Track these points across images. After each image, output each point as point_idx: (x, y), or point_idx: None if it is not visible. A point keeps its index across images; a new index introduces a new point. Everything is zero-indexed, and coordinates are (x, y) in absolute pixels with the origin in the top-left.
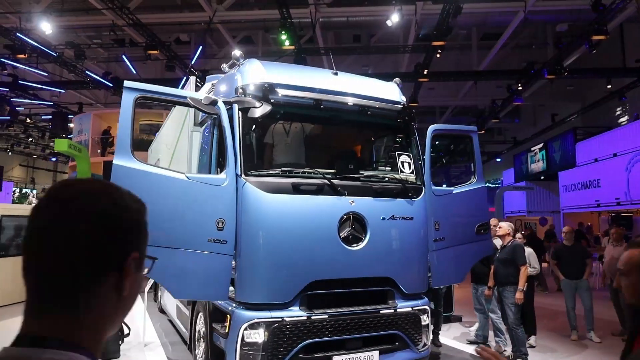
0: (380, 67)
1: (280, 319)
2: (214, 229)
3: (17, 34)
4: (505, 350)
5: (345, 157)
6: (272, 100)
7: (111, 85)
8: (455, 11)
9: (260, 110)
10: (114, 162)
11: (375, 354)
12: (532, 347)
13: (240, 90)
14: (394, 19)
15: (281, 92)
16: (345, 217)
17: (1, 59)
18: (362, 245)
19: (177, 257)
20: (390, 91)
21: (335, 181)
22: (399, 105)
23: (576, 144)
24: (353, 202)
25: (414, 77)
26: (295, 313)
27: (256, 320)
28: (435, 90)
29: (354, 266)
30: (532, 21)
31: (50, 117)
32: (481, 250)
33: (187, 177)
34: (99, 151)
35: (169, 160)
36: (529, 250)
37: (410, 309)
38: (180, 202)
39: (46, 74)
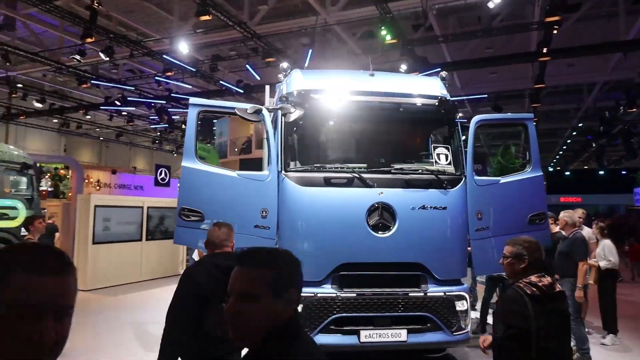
0: (505, 49)
1: (314, 294)
2: (259, 217)
3: (164, 55)
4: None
5: (377, 151)
6: (306, 105)
7: (242, 91)
8: None
9: (294, 114)
10: (182, 164)
11: (404, 332)
12: (604, 345)
13: (283, 98)
14: None
15: (316, 97)
16: (373, 206)
17: (157, 77)
18: (390, 232)
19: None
20: (428, 86)
21: (365, 174)
22: (435, 100)
23: None
24: (382, 193)
25: (538, 57)
26: (327, 290)
27: None
28: (575, 66)
29: (382, 251)
30: None
31: (200, 122)
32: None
33: (237, 175)
34: (235, 150)
35: None
36: (606, 242)
37: (442, 293)
38: (232, 195)
39: (190, 87)
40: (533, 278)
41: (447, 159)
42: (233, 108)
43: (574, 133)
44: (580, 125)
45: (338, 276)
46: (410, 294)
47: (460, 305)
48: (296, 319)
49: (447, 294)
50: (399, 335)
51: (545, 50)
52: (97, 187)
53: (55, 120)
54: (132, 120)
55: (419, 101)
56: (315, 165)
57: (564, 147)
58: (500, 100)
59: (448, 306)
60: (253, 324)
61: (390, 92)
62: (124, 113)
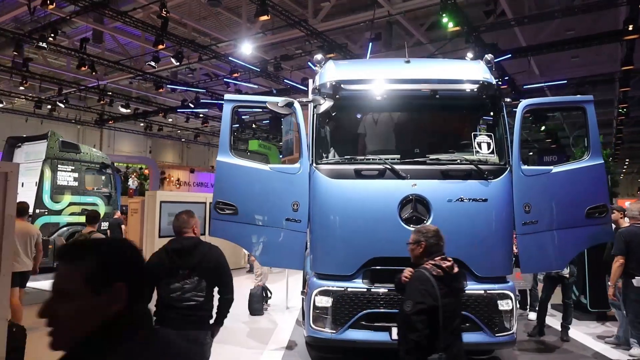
0: (589, 30)
1: (344, 289)
2: (290, 210)
3: (229, 57)
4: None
5: (412, 142)
6: (337, 96)
7: (305, 89)
8: None
9: (324, 105)
10: (217, 159)
11: None
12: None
13: (316, 90)
14: None
15: (349, 87)
16: (406, 199)
17: (225, 79)
18: None
19: (262, 232)
20: (468, 71)
21: (397, 166)
22: (475, 84)
23: None
24: (415, 184)
25: (624, 35)
26: (358, 285)
27: (324, 288)
28: None
29: None
30: None
31: (269, 121)
32: (594, 236)
33: (270, 168)
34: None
35: None
36: None
37: (482, 292)
38: (264, 188)
39: (257, 87)
40: (438, 260)
41: (489, 148)
42: (264, 102)
43: None
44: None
45: (369, 271)
46: None
47: (504, 305)
48: (133, 316)
49: (487, 292)
50: None
51: (631, 27)
52: (178, 185)
53: (142, 124)
54: (206, 121)
55: (457, 87)
56: (346, 157)
57: None
58: (585, 87)
59: (489, 305)
60: (70, 326)
61: (426, 79)
62: (200, 115)
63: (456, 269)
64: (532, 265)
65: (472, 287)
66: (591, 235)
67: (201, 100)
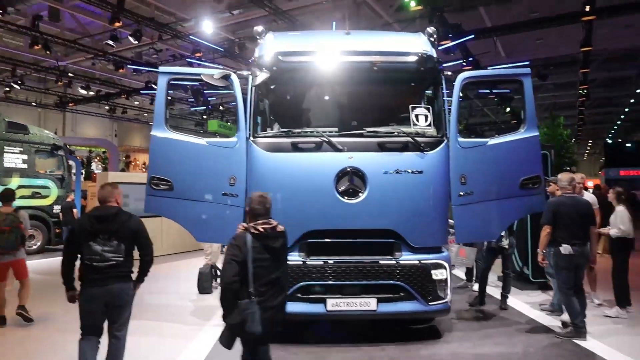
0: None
1: None
2: (227, 184)
3: (191, 36)
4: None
5: (351, 114)
6: (275, 68)
7: None
8: None
9: (260, 77)
10: (152, 133)
11: (373, 300)
12: (608, 317)
13: (254, 62)
14: None
15: (287, 59)
16: (343, 172)
17: (188, 59)
18: (360, 198)
19: (198, 208)
20: (408, 43)
21: (334, 138)
22: (414, 57)
23: None
24: (352, 157)
25: (581, 16)
26: (294, 258)
27: None
28: (634, 27)
29: (351, 218)
30: None
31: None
32: (527, 206)
33: (206, 142)
34: None
35: None
36: (618, 209)
37: (417, 262)
38: (200, 162)
39: (221, 67)
40: (260, 223)
41: (426, 120)
42: (199, 74)
43: (632, 101)
44: (638, 92)
45: (306, 244)
46: (380, 262)
47: (438, 274)
48: None
49: (422, 262)
50: (368, 304)
51: (588, 8)
52: (144, 169)
53: (106, 107)
54: (172, 103)
55: (396, 59)
56: (283, 130)
57: (622, 117)
58: (549, 68)
59: (423, 275)
60: None
61: (365, 51)
62: (168, 97)
63: (279, 229)
64: (467, 236)
65: (407, 258)
66: (525, 206)
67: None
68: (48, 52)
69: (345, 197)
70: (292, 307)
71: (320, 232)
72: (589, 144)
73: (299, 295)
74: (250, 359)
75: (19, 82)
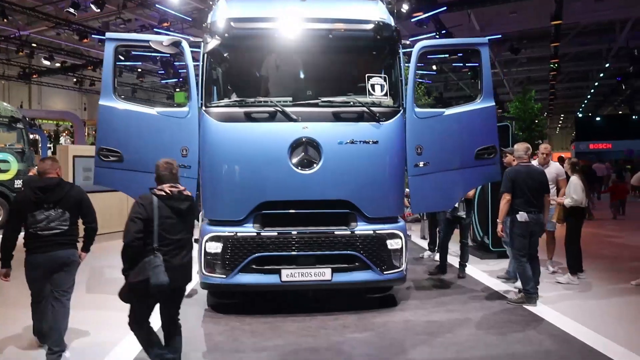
0: None
1: (234, 234)
2: (179, 155)
3: (157, 4)
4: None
5: (306, 83)
6: (226, 35)
7: None
8: None
9: (211, 44)
10: (99, 103)
11: (328, 270)
12: (559, 283)
13: (206, 29)
14: None
15: (239, 25)
16: (297, 142)
17: (155, 29)
18: (315, 169)
19: (149, 179)
20: (365, 10)
21: (289, 108)
22: (370, 24)
23: None
24: (306, 127)
25: None
26: (248, 229)
27: (214, 234)
28: (604, 1)
29: (305, 189)
30: None
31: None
32: (483, 176)
33: (157, 112)
34: None
35: None
36: (572, 179)
37: (371, 231)
38: (151, 133)
39: (190, 38)
40: (166, 187)
41: (382, 90)
42: (147, 41)
43: (602, 75)
44: (607, 65)
45: (260, 215)
46: (335, 233)
47: (393, 244)
48: None
49: (377, 232)
50: (323, 274)
51: None
52: None
53: (74, 80)
54: (142, 76)
55: (352, 27)
56: (236, 99)
57: (592, 91)
58: (523, 42)
59: (378, 245)
60: None
61: (321, 18)
62: (138, 69)
63: (186, 193)
64: (423, 206)
65: (362, 228)
66: (480, 175)
67: (133, 53)
68: (6, 20)
69: (300, 168)
70: (247, 278)
71: (275, 203)
72: (561, 118)
73: (254, 266)
74: (144, 315)
75: None
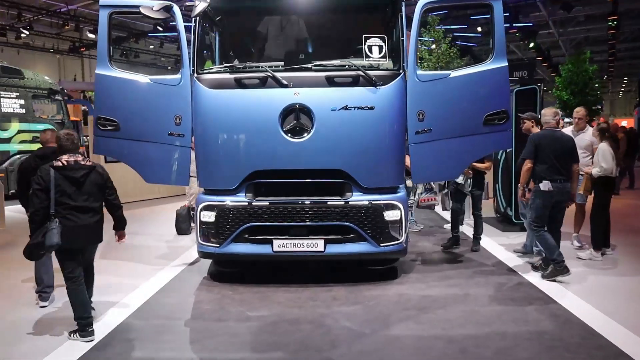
0: None
1: (225, 203)
2: (173, 124)
3: None
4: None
5: (300, 47)
6: None
7: None
8: None
9: (198, 7)
10: (96, 71)
11: (321, 242)
12: (579, 259)
13: None
14: None
15: None
16: (288, 108)
17: None
18: (306, 137)
19: (145, 148)
20: None
21: (280, 73)
22: None
23: None
24: (297, 93)
25: None
26: (240, 199)
27: (208, 203)
28: None
29: (299, 158)
30: None
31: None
32: (492, 143)
33: (150, 80)
34: None
35: None
36: (601, 146)
37: (367, 202)
38: (145, 101)
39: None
40: (64, 157)
41: (380, 52)
42: (137, 6)
43: None
44: None
45: (253, 184)
46: (328, 203)
47: (391, 215)
48: None
49: (373, 202)
50: (316, 245)
51: None
52: None
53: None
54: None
55: None
56: (226, 65)
57: None
58: None
59: (373, 216)
60: None
61: None
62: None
63: (85, 163)
64: (425, 175)
65: (357, 198)
66: (489, 143)
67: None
68: None
69: (291, 136)
70: (239, 247)
71: (267, 172)
72: (625, 82)
73: (246, 236)
74: (70, 270)
75: (28, 27)
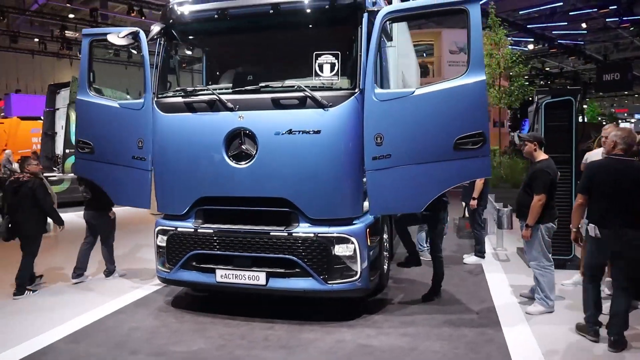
0: None
1: (175, 228)
2: (136, 147)
3: None
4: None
5: (249, 68)
6: (171, 21)
7: None
8: None
9: (152, 31)
10: (77, 97)
11: (262, 275)
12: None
13: (163, 17)
14: None
15: (186, 9)
16: (232, 133)
17: None
18: (250, 163)
19: (114, 170)
20: None
21: (227, 96)
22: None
23: None
24: (242, 117)
25: None
26: (187, 225)
27: (161, 227)
28: None
29: (243, 184)
30: None
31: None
32: (463, 171)
33: (118, 104)
34: None
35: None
36: None
37: (312, 235)
38: (114, 125)
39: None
40: (17, 174)
41: (332, 70)
42: (105, 34)
43: None
44: None
45: (202, 210)
46: (271, 233)
47: (342, 250)
48: None
49: (319, 235)
50: (257, 278)
51: None
52: None
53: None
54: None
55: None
56: (178, 89)
57: None
58: None
59: (320, 250)
60: None
61: None
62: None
63: (24, 179)
64: (383, 206)
65: (302, 230)
66: (461, 171)
67: None
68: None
69: (236, 162)
70: (186, 275)
71: (214, 198)
72: None
73: (193, 263)
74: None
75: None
